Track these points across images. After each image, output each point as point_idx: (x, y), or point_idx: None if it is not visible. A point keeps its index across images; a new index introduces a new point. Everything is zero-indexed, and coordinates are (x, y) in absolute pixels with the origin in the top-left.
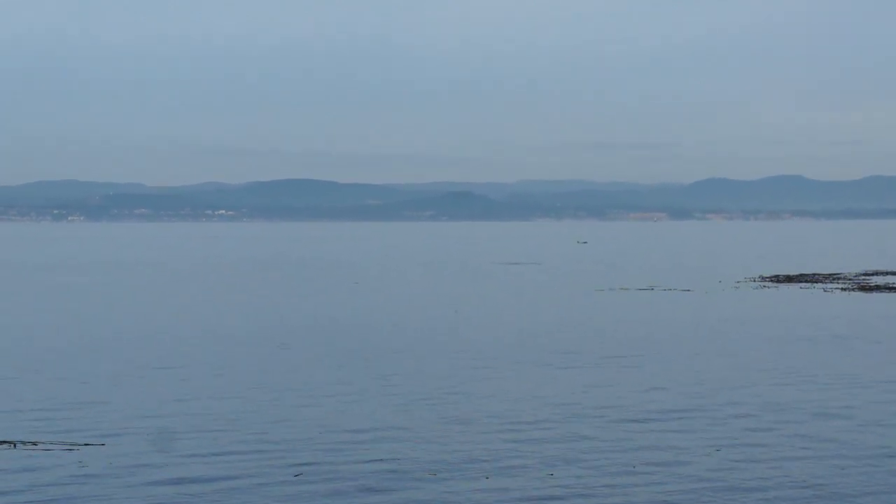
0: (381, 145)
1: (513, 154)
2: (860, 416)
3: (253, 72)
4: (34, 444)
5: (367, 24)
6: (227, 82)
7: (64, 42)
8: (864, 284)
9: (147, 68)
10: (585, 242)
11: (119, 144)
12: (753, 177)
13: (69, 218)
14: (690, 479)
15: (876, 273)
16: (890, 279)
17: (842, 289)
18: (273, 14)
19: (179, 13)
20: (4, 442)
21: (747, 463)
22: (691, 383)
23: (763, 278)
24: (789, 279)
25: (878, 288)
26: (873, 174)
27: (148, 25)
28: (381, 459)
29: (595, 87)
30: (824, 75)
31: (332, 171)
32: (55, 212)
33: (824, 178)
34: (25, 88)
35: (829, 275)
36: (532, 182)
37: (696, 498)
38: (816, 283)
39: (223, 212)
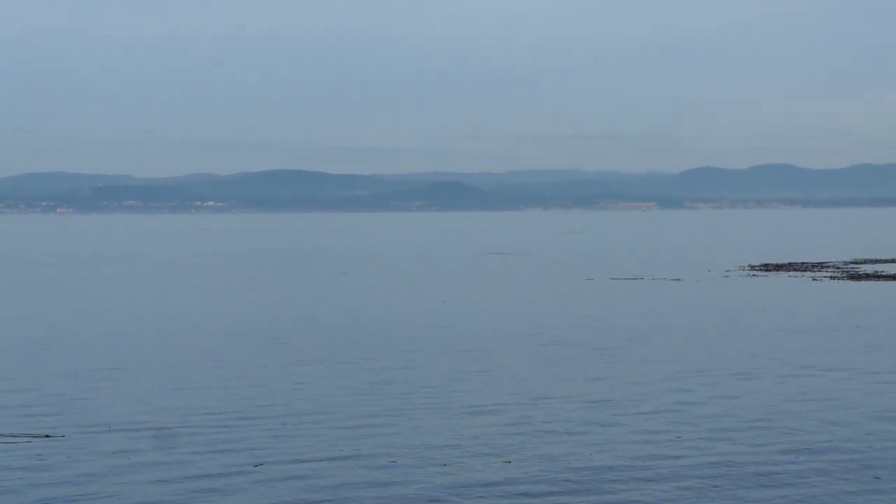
0: (369, 136)
1: (501, 145)
2: (851, 403)
3: (241, 65)
4: None
5: (357, 17)
6: (216, 75)
7: (52, 36)
8: (852, 273)
9: (136, 61)
10: (582, 232)
11: (107, 136)
12: (742, 166)
13: (58, 210)
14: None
15: (865, 261)
16: (878, 267)
17: (830, 277)
18: (263, 8)
19: (169, 6)
20: None
21: (740, 449)
22: (678, 373)
23: (752, 267)
24: (778, 268)
25: (866, 276)
26: (861, 163)
27: (137, 19)
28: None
29: (583, 78)
30: (813, 67)
31: (322, 162)
32: (44, 204)
33: (812, 166)
34: (12, 81)
35: (818, 263)
36: (521, 172)
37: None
38: (805, 271)
39: (212, 203)
